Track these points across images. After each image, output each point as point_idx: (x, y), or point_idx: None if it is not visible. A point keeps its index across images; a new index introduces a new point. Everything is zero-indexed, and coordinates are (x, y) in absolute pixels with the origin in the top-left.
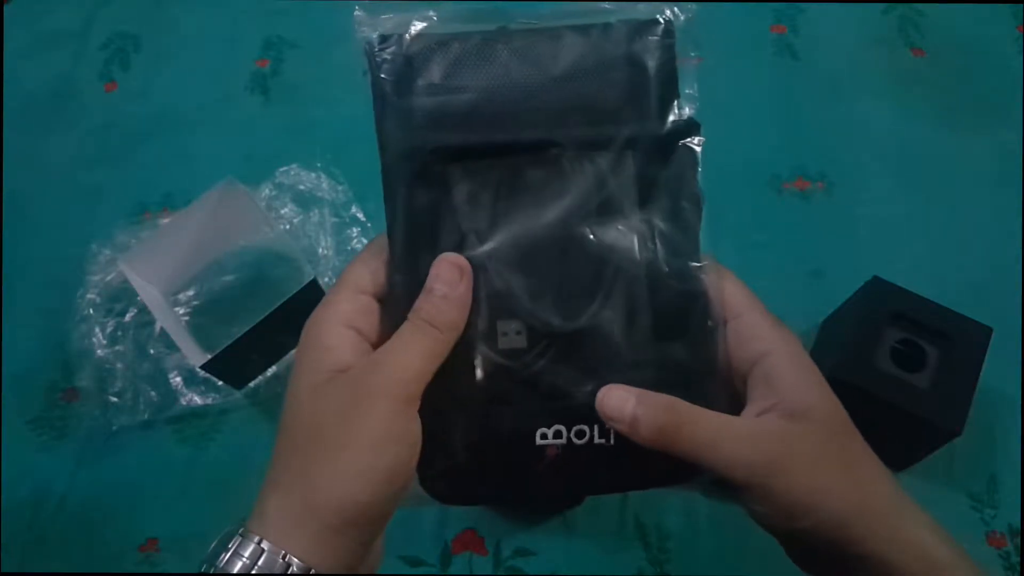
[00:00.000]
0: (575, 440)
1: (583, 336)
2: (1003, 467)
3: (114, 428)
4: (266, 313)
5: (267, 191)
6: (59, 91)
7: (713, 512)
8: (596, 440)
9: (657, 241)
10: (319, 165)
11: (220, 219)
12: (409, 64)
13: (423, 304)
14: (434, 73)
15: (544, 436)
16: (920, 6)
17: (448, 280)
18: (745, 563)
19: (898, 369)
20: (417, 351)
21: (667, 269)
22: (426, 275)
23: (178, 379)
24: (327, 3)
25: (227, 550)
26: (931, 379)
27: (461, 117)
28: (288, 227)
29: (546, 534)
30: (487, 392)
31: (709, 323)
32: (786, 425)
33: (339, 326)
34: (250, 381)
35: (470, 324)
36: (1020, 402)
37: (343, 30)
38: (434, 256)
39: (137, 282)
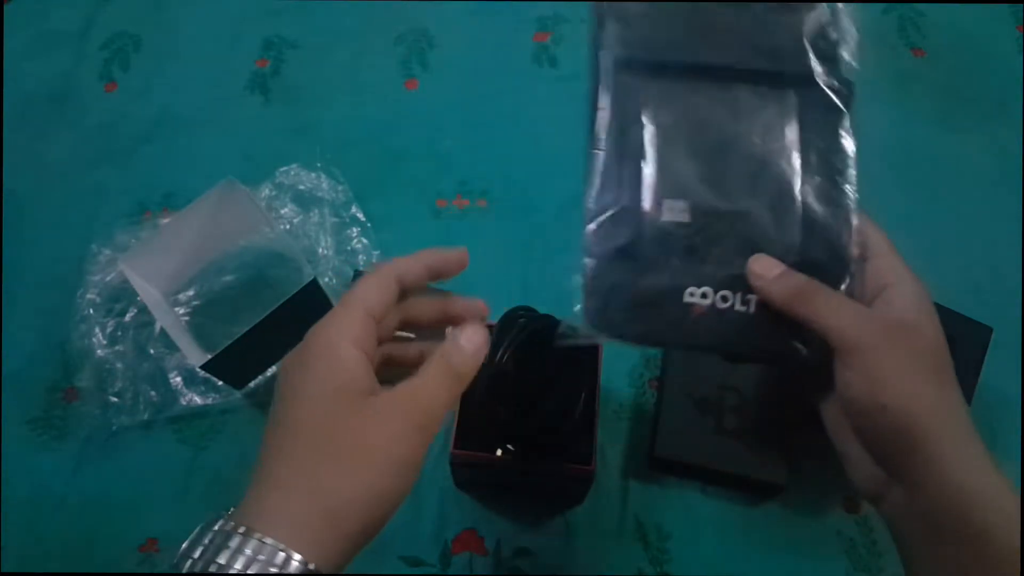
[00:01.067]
0: (719, 304)
1: (740, 219)
2: (1003, 467)
3: (114, 428)
4: (266, 313)
5: (267, 191)
6: (59, 91)
7: (713, 512)
8: (737, 307)
9: (814, 162)
10: (319, 165)
11: (220, 219)
12: (627, 10)
13: (454, 354)
14: (648, 12)
15: (692, 295)
16: (920, 6)
17: (475, 340)
18: (745, 563)
19: None
20: (444, 394)
21: (821, 188)
22: (631, 146)
23: (178, 379)
24: (327, 3)
25: (227, 548)
26: None
27: (665, 43)
28: (288, 227)
29: (546, 534)
30: (649, 250)
31: (851, 247)
32: (894, 324)
33: (352, 347)
34: (250, 381)
35: (642, 199)
36: (1020, 402)
37: (343, 30)
38: (631, 137)
39: (137, 282)
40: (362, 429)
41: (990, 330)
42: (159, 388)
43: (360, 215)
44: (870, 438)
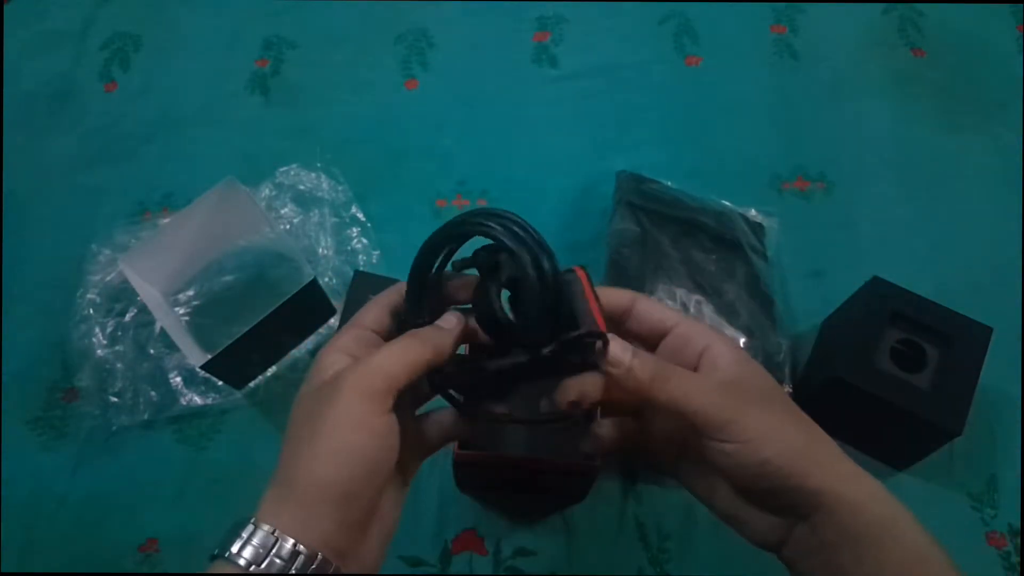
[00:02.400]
0: None
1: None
2: (1003, 467)
3: (114, 428)
4: (266, 313)
5: (267, 191)
6: (59, 91)
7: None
8: None
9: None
10: (319, 165)
11: (220, 219)
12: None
13: (422, 327)
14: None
15: None
16: (920, 6)
17: (448, 321)
18: (745, 563)
19: (898, 369)
20: (395, 356)
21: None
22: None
23: (178, 379)
24: (327, 3)
25: (238, 536)
26: (931, 379)
27: (655, 201)
28: (288, 227)
29: (546, 534)
30: None
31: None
32: (739, 387)
33: (335, 352)
34: (250, 381)
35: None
36: (1020, 402)
37: (343, 30)
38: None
39: (137, 282)
40: (311, 407)
41: (990, 330)
42: (159, 388)
43: (360, 215)
44: (761, 491)
